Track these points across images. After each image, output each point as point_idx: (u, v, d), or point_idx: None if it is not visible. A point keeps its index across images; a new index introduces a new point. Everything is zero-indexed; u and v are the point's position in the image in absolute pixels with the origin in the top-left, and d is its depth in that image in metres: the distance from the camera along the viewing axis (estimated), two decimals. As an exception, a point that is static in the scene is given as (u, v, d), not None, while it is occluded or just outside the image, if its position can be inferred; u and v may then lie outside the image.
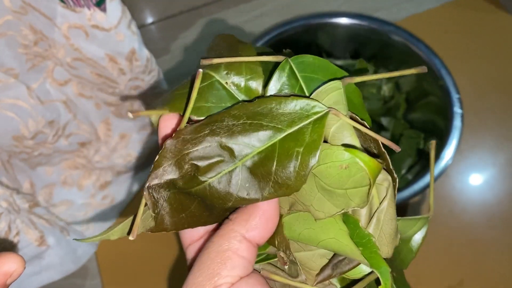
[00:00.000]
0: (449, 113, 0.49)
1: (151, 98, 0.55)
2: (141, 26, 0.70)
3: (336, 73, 0.23)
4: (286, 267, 0.24)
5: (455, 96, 0.49)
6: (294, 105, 0.21)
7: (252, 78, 0.23)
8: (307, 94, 0.22)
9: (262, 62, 0.24)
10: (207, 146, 0.21)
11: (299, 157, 0.20)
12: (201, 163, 0.21)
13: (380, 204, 0.21)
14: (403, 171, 0.53)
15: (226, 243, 0.21)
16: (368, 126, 0.22)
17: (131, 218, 0.23)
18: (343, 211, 0.21)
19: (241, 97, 0.23)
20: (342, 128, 0.21)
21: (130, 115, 0.23)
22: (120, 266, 0.56)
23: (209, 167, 0.21)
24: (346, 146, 0.21)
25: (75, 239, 0.27)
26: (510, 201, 0.54)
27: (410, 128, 0.55)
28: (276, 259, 0.24)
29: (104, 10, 0.42)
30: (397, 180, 0.21)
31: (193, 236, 0.24)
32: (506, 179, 0.56)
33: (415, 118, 0.56)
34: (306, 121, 0.21)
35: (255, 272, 0.23)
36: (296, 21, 0.56)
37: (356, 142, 0.21)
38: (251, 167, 0.21)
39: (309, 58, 0.23)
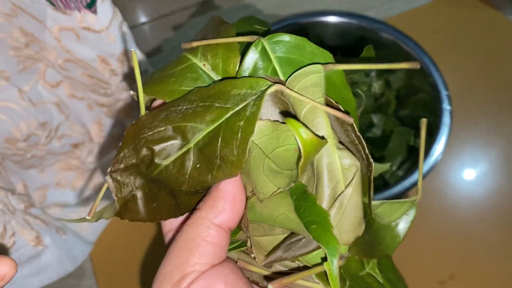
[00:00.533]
0: (438, 109, 0.50)
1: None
2: (133, 27, 0.70)
3: (315, 53, 0.22)
4: (253, 255, 0.23)
5: (444, 93, 0.50)
6: (244, 85, 0.21)
7: (228, 59, 0.23)
8: (280, 75, 0.22)
9: (244, 42, 0.23)
10: (161, 130, 0.21)
11: (240, 131, 0.20)
12: (156, 147, 0.21)
13: (345, 189, 0.21)
14: (394, 168, 0.53)
15: (194, 231, 0.21)
16: (342, 109, 0.22)
17: (111, 203, 0.23)
18: (279, 191, 0.21)
19: (218, 78, 0.23)
20: (314, 111, 0.21)
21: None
22: (115, 267, 0.56)
23: (164, 150, 0.21)
24: (289, 117, 0.20)
25: (59, 218, 0.27)
26: (500, 196, 0.55)
27: (400, 125, 0.56)
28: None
29: (94, 12, 0.43)
30: (373, 165, 0.21)
31: (172, 222, 0.24)
32: (496, 174, 0.56)
33: (406, 115, 0.56)
34: (251, 98, 0.21)
35: (229, 261, 0.22)
36: (286, 20, 0.56)
37: (327, 125, 0.21)
38: (202, 148, 0.21)
39: (285, 37, 0.22)
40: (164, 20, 0.71)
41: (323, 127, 0.21)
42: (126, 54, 0.49)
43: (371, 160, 0.21)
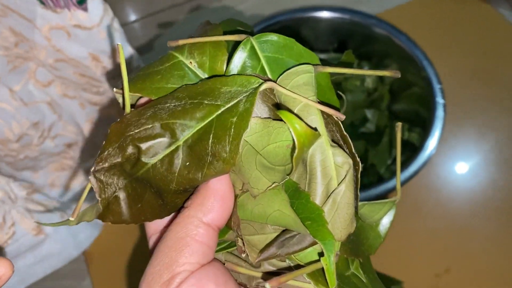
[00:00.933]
0: (431, 103, 0.50)
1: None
2: (124, 25, 0.70)
3: (302, 54, 0.22)
4: (244, 255, 0.23)
5: (437, 87, 0.50)
6: (235, 83, 0.21)
7: (216, 57, 0.23)
8: (269, 74, 0.22)
9: (233, 41, 0.23)
10: (149, 128, 0.21)
11: (233, 127, 0.20)
12: (143, 145, 0.20)
13: (338, 186, 0.21)
14: (388, 162, 0.53)
15: (183, 230, 0.21)
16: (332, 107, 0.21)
17: (93, 205, 0.22)
18: (275, 185, 0.21)
19: (205, 76, 0.23)
20: (307, 109, 0.21)
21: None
22: (110, 266, 0.56)
23: (151, 148, 0.21)
24: (284, 110, 0.20)
25: (38, 222, 0.27)
26: (494, 189, 0.55)
27: (394, 119, 0.56)
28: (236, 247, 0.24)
29: (85, 9, 0.42)
30: (360, 164, 0.21)
31: (157, 225, 0.24)
32: (489, 167, 0.57)
33: (399, 109, 0.56)
34: (243, 95, 0.21)
35: (217, 261, 0.22)
36: (278, 16, 0.56)
37: (321, 123, 0.21)
38: (191, 146, 0.21)
39: (273, 37, 0.22)
40: (155, 18, 0.71)
41: (317, 125, 0.21)
42: (118, 51, 0.48)
43: (358, 159, 0.21)
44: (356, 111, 0.56)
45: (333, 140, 0.22)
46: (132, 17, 0.71)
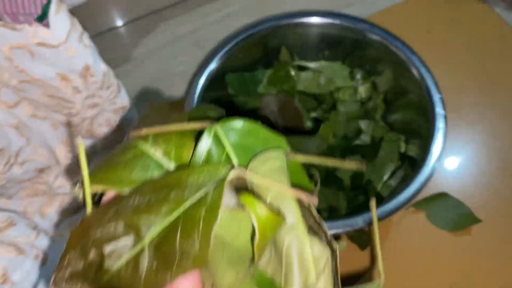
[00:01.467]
0: (431, 114, 0.46)
1: (111, 114, 0.51)
2: (97, 35, 0.65)
3: (269, 139, 0.22)
4: None
5: (436, 96, 0.47)
6: (201, 172, 0.20)
7: (182, 146, 0.22)
8: (235, 161, 0.22)
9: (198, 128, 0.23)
10: (111, 227, 0.19)
11: (201, 221, 0.19)
12: (106, 248, 0.19)
13: (316, 281, 0.20)
14: (386, 177, 0.50)
15: None
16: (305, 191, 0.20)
17: None
18: (240, 276, 0.19)
19: (170, 165, 0.22)
20: (281, 195, 0.20)
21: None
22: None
23: (114, 252, 0.18)
24: (247, 195, 0.19)
25: None
26: (498, 201, 0.52)
27: (390, 130, 0.52)
28: None
29: (47, 25, 0.38)
30: (337, 253, 0.20)
31: None
32: (491, 177, 0.54)
33: (395, 120, 0.53)
34: (211, 185, 0.20)
35: None
36: (264, 23, 0.52)
37: (296, 210, 0.20)
38: (157, 245, 0.19)
39: (238, 123, 0.22)
40: (132, 26, 0.66)
41: (292, 212, 0.20)
42: (89, 68, 0.44)
43: (335, 246, 0.20)
44: (350, 122, 0.52)
45: (310, 227, 0.21)
46: (106, 26, 0.66)
